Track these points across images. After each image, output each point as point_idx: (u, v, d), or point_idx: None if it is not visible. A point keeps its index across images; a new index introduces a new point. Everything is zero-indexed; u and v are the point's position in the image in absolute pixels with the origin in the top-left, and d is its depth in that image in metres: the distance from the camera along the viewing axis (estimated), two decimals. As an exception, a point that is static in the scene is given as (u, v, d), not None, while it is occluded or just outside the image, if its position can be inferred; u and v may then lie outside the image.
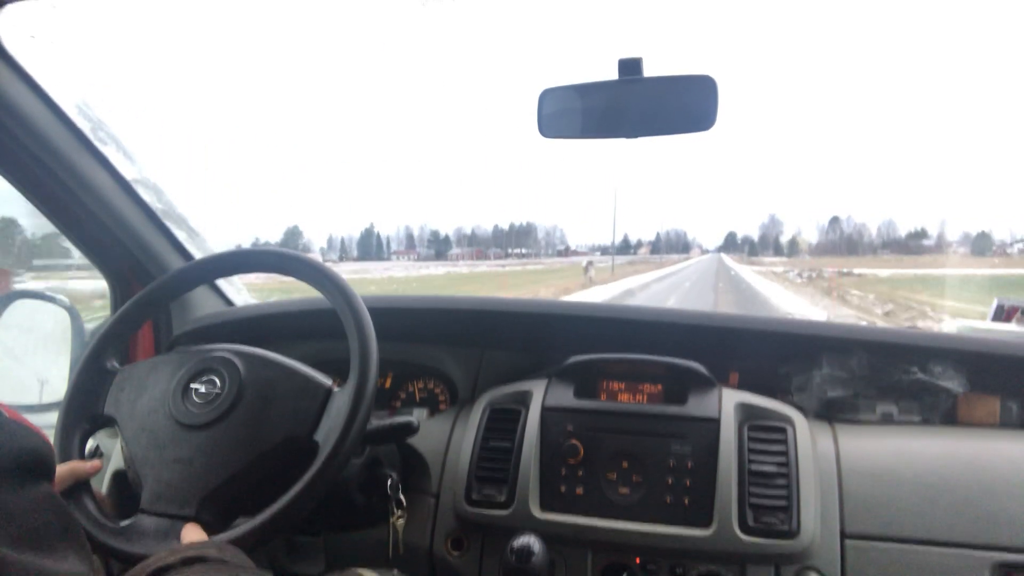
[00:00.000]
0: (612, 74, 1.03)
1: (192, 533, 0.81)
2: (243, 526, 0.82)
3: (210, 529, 0.83)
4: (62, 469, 0.87)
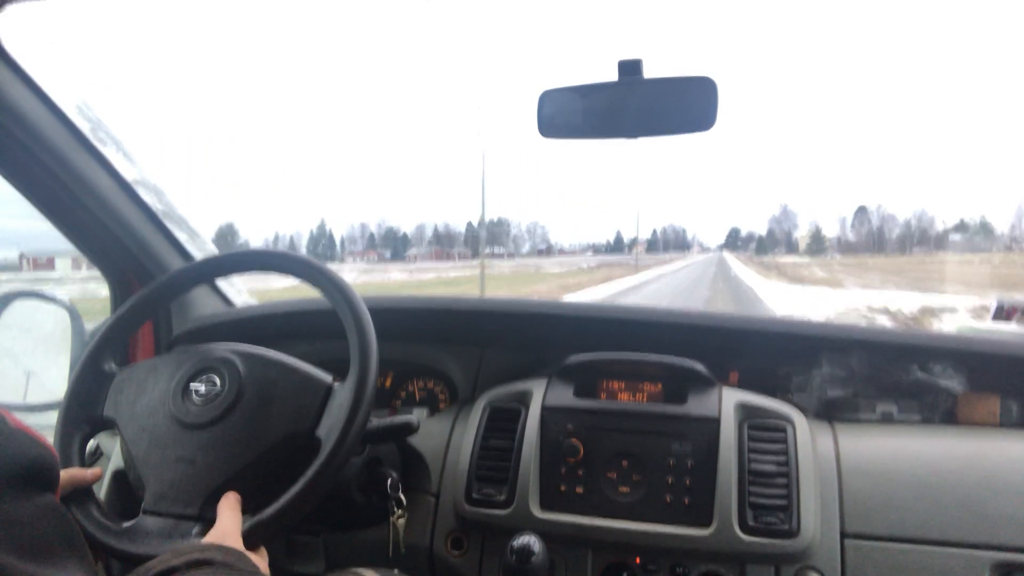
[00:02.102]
0: (612, 76, 1.03)
1: (228, 506, 0.81)
2: (248, 523, 0.82)
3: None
4: (62, 476, 0.85)
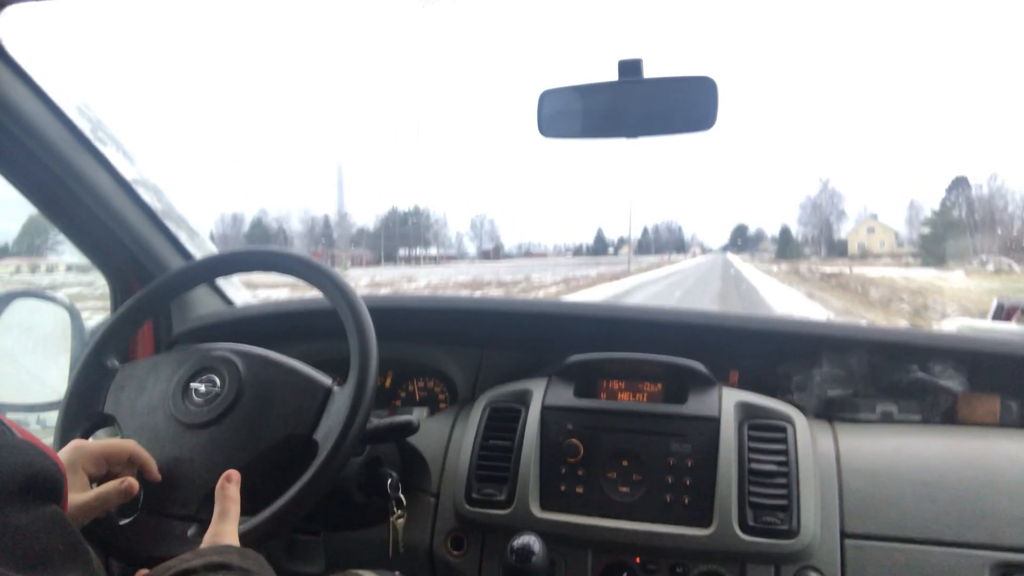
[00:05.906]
0: (612, 75, 1.03)
1: (228, 496, 0.77)
2: (243, 525, 0.83)
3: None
4: (89, 496, 0.79)
